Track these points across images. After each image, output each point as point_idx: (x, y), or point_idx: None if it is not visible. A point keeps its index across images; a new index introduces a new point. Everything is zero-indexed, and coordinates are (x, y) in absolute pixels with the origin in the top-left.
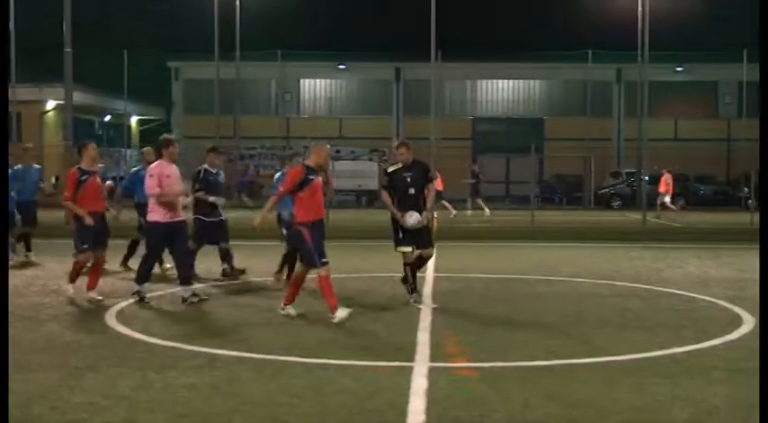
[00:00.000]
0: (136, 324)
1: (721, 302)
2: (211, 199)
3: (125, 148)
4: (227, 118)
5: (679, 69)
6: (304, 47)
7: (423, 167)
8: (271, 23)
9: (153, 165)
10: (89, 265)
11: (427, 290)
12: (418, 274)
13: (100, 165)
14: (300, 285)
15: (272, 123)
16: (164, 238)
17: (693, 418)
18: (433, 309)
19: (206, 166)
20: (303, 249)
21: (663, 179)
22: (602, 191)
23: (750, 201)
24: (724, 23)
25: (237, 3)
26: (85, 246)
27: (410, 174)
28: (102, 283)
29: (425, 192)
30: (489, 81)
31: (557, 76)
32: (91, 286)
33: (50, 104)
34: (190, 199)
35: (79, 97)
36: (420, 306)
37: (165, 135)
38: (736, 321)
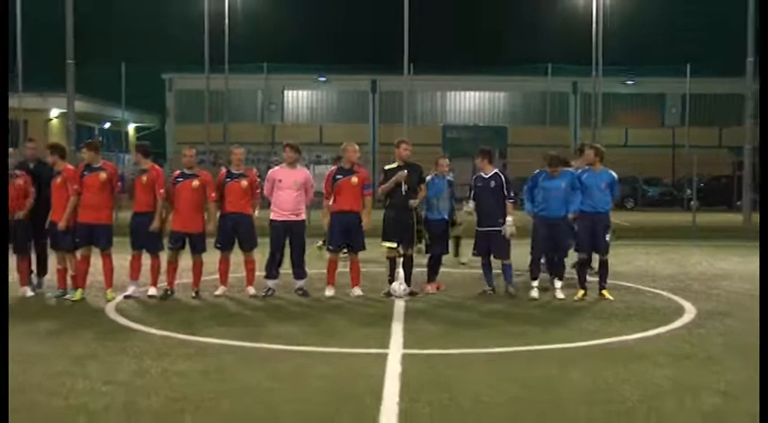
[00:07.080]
0: (134, 316)
1: (666, 294)
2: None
3: (122, 152)
4: (216, 125)
5: (629, 82)
6: (288, 60)
7: (416, 169)
8: (258, 39)
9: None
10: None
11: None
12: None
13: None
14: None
15: (259, 130)
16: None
17: (641, 399)
18: (406, 300)
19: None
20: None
21: None
22: None
23: (692, 202)
24: (671, 41)
25: (227, 21)
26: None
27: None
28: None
29: (418, 191)
30: (458, 92)
31: (519, 88)
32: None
33: (54, 112)
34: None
35: (81, 106)
36: (394, 297)
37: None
38: (680, 311)
